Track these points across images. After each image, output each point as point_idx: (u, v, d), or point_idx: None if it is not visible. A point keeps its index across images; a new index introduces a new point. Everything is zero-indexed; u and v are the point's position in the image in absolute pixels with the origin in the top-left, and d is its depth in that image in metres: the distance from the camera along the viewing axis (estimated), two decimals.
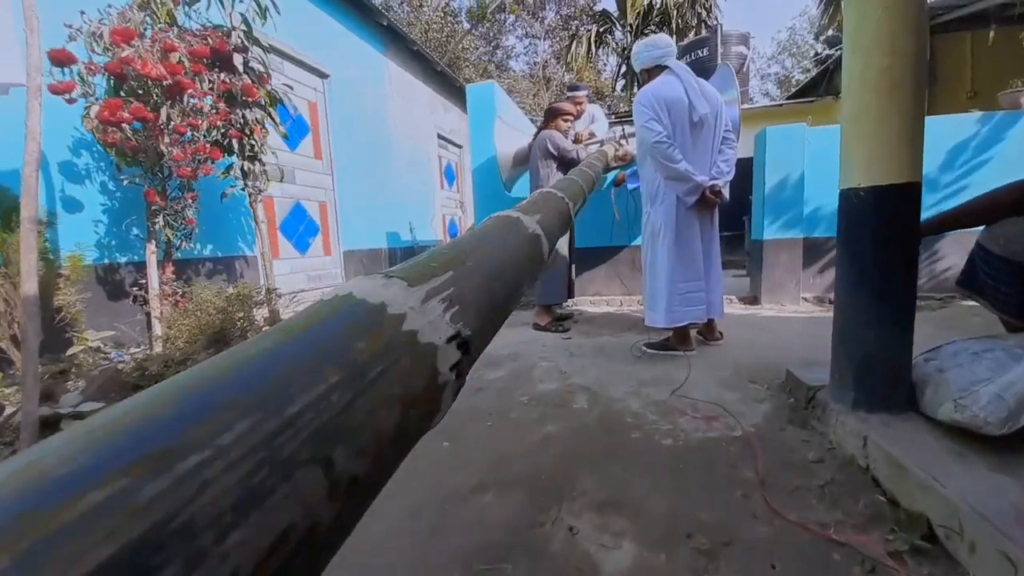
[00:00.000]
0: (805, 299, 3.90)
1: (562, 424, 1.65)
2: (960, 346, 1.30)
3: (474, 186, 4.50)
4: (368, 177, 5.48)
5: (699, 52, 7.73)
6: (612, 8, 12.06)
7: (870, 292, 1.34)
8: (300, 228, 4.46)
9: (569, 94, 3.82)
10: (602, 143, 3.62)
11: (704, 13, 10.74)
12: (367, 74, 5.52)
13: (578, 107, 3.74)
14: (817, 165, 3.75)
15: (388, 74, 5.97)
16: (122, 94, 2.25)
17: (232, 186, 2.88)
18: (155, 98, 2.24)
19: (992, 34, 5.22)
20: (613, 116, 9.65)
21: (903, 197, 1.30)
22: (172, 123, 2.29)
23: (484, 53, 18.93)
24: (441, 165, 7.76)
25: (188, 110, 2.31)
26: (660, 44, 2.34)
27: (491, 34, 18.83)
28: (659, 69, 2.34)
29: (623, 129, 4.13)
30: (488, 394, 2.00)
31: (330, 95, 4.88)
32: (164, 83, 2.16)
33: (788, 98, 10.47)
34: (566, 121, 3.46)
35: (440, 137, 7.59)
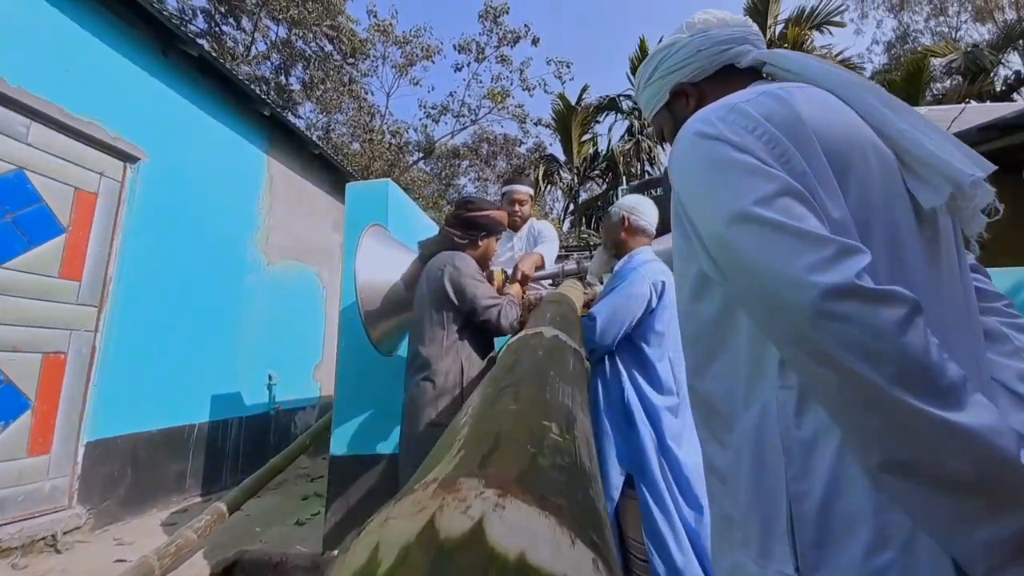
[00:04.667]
0: None
1: None
2: None
3: (339, 337, 2.64)
4: (194, 309, 3.49)
5: (654, 192, 7.19)
6: (559, 153, 12.32)
7: None
8: None
9: (505, 190, 2.29)
10: (556, 282, 1.97)
11: (648, 164, 10.94)
12: (229, 171, 3.93)
13: (520, 209, 2.19)
14: None
15: (269, 176, 4.45)
16: None
17: None
18: None
19: None
20: (563, 251, 8.70)
21: None
22: None
23: (436, 189, 19.14)
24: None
25: None
26: (729, 20, 0.79)
27: (444, 174, 19.30)
28: (736, 78, 0.73)
29: (581, 257, 2.57)
30: None
31: (137, 187, 3.13)
32: None
33: None
34: (499, 240, 1.85)
35: None
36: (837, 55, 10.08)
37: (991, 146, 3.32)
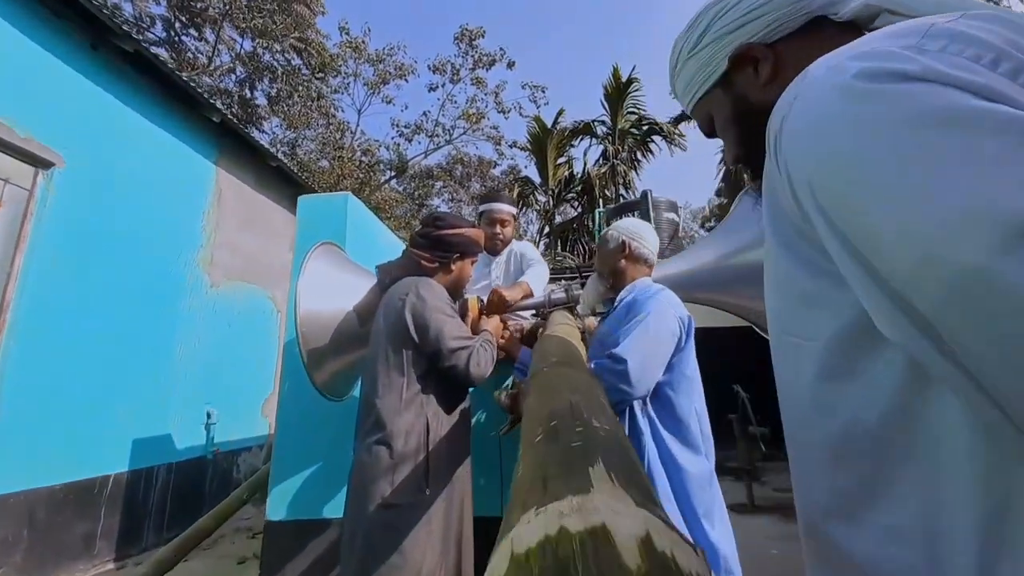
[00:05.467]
0: None
1: None
2: None
3: (281, 378, 2.28)
4: (115, 337, 3.00)
5: (632, 215, 7.15)
6: (534, 176, 12.28)
7: None
8: None
9: (484, 208, 2.01)
10: (541, 313, 1.68)
11: (623, 189, 10.99)
12: (168, 182, 3.51)
13: (502, 231, 1.92)
14: None
15: (217, 189, 4.03)
16: None
17: None
18: None
19: None
20: None
21: None
22: None
23: (408, 210, 18.78)
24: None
25: None
26: None
27: (417, 194, 18.99)
28: (832, 36, 0.48)
29: (571, 285, 2.28)
30: None
31: (50, 196, 2.69)
32: None
33: None
34: (475, 263, 1.56)
35: None
36: None
37: None
